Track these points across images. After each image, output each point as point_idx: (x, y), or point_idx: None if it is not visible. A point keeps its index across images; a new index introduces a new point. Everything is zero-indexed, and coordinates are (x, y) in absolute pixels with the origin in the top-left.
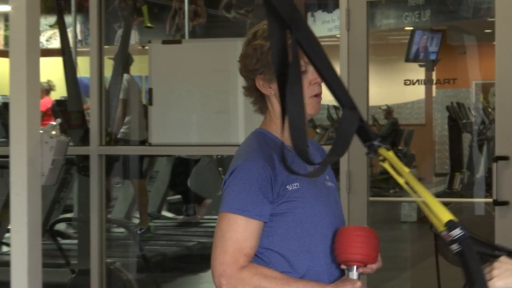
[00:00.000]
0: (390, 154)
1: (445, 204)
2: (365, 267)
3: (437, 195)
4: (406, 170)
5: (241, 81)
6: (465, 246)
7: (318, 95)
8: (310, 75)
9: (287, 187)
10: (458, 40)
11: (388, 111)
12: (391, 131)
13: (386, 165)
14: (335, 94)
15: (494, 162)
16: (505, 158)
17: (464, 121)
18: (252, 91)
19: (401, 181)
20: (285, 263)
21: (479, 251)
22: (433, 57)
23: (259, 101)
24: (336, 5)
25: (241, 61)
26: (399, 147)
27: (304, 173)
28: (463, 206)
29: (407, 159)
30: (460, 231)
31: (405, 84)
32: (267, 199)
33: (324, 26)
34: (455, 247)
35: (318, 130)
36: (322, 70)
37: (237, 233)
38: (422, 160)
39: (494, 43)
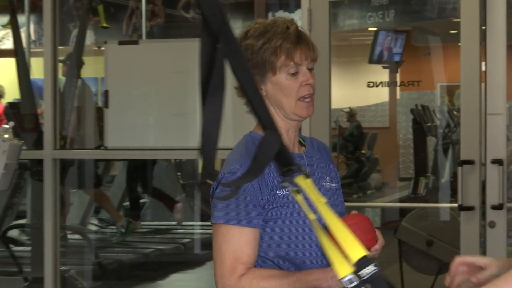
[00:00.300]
0: (308, 183)
1: (410, 209)
2: (369, 252)
3: (401, 200)
4: (322, 200)
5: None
6: (378, 286)
7: (310, 96)
8: (301, 76)
9: (278, 192)
10: (422, 41)
11: (351, 114)
12: (354, 134)
13: (298, 198)
14: (257, 115)
15: (459, 166)
16: (470, 162)
17: (428, 124)
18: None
19: (311, 217)
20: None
21: None
22: (397, 58)
23: None
24: (298, 5)
25: None
26: (362, 151)
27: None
28: (428, 211)
29: (371, 163)
30: (374, 268)
31: (368, 86)
32: (258, 204)
33: None
34: None
35: None
36: (246, 88)
37: (232, 244)
38: (386, 164)
39: (460, 44)
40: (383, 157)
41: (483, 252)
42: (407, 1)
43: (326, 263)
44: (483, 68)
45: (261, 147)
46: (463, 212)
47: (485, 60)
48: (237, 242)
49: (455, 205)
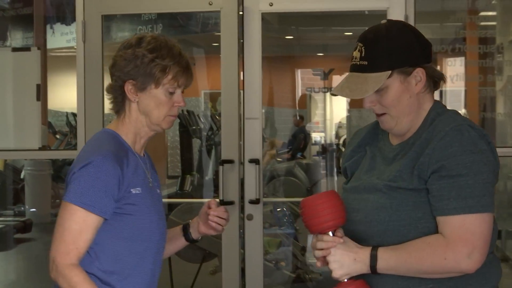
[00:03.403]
0: None
1: (177, 204)
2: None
3: (170, 196)
4: None
5: None
6: None
7: (175, 116)
8: (176, 97)
9: (131, 190)
10: (188, 53)
11: None
12: None
13: None
14: None
15: (220, 165)
16: (230, 161)
17: (194, 127)
18: (115, 90)
19: None
20: (113, 261)
21: None
22: None
23: (118, 101)
24: (74, 18)
25: (117, 60)
26: None
27: (144, 181)
28: (193, 205)
29: None
30: None
31: None
32: (112, 197)
33: (63, 38)
34: None
35: (58, 136)
36: None
37: (76, 224)
38: (155, 163)
39: (220, 55)
40: (153, 156)
41: (242, 242)
42: (174, 16)
43: (158, 260)
44: (242, 77)
45: None
46: (224, 206)
47: (243, 70)
48: (81, 224)
49: (217, 200)
